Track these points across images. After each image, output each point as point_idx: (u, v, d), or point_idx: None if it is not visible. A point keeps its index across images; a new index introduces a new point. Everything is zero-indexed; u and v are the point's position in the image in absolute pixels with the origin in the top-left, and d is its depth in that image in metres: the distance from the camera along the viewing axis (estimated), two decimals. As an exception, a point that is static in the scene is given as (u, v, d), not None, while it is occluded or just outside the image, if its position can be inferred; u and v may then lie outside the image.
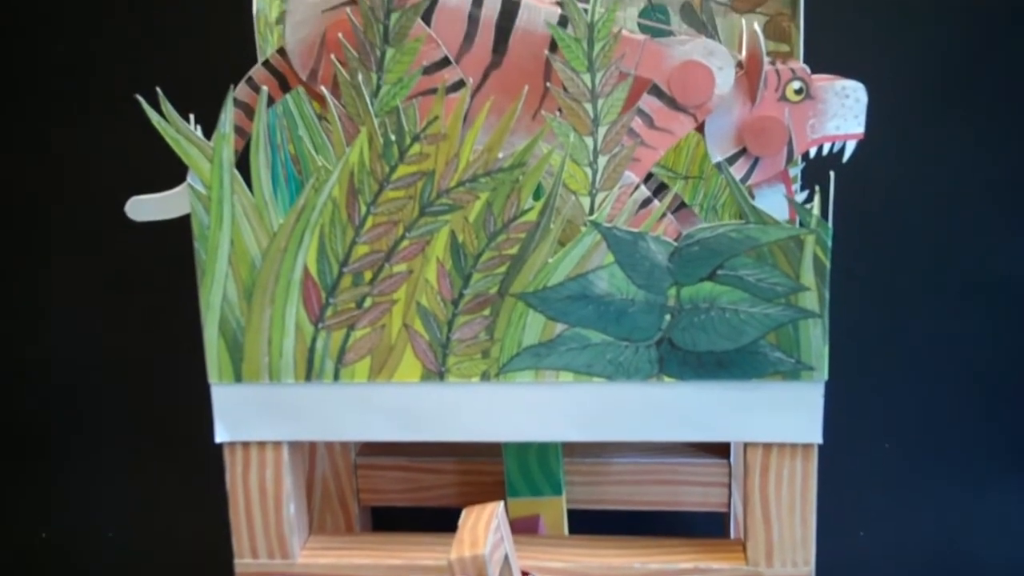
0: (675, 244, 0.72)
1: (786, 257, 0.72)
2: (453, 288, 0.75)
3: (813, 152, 0.79)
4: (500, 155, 0.72)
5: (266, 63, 0.81)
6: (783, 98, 0.77)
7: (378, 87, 0.74)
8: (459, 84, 0.76)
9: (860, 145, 0.79)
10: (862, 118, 0.78)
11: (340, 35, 0.74)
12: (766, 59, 0.76)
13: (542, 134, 0.72)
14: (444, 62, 0.76)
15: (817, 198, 0.71)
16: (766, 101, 0.77)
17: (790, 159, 0.78)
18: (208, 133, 0.75)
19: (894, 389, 1.12)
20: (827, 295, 0.72)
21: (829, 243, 0.71)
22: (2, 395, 1.19)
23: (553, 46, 0.75)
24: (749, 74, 0.77)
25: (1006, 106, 1.04)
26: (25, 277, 1.16)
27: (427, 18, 0.75)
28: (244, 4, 0.87)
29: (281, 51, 0.80)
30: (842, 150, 0.79)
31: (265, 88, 0.74)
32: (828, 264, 0.71)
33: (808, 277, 0.72)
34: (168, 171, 0.78)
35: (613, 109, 0.74)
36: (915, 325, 1.10)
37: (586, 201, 0.75)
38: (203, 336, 0.77)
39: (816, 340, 0.73)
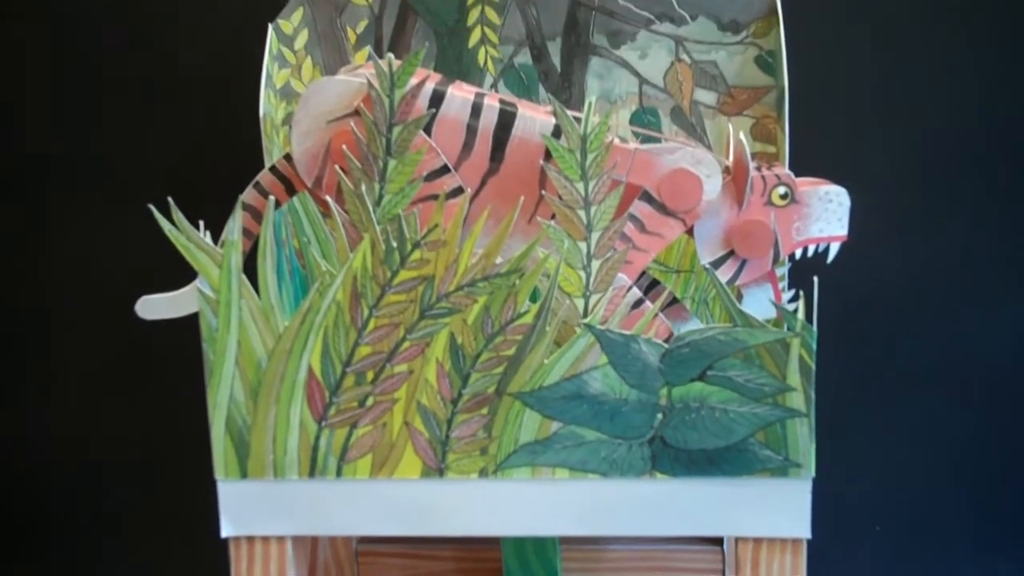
0: (666, 346, 0.75)
1: (773, 359, 0.74)
2: (452, 388, 0.78)
3: (799, 253, 0.82)
4: (498, 261, 0.75)
5: (273, 168, 0.84)
6: (769, 202, 0.80)
7: (380, 196, 0.77)
8: (458, 191, 0.79)
9: (845, 244, 0.82)
10: (845, 221, 0.81)
11: (344, 146, 0.77)
12: (752, 165, 0.80)
13: (538, 241, 0.75)
14: (444, 170, 0.79)
15: (802, 302, 0.74)
16: (752, 206, 0.80)
17: (776, 260, 0.81)
18: (216, 234, 0.78)
19: (883, 475, 1.15)
20: (813, 395, 0.75)
21: (814, 345, 0.74)
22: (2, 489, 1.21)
23: (548, 155, 0.78)
24: (736, 180, 0.80)
25: (988, 199, 1.08)
26: (27, 372, 1.18)
27: (428, 127, 0.79)
28: (251, 105, 0.91)
29: (287, 156, 0.83)
30: (826, 251, 0.82)
31: (272, 197, 0.77)
32: (813, 366, 0.74)
33: (794, 378, 0.74)
34: (174, 264, 0.81)
35: (606, 215, 0.77)
36: (902, 412, 1.13)
37: (580, 303, 0.78)
38: (210, 434, 0.79)
39: (803, 438, 0.76)
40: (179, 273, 0.81)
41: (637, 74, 0.94)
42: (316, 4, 0.94)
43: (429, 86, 0.79)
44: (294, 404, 0.78)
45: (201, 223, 0.79)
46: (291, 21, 0.94)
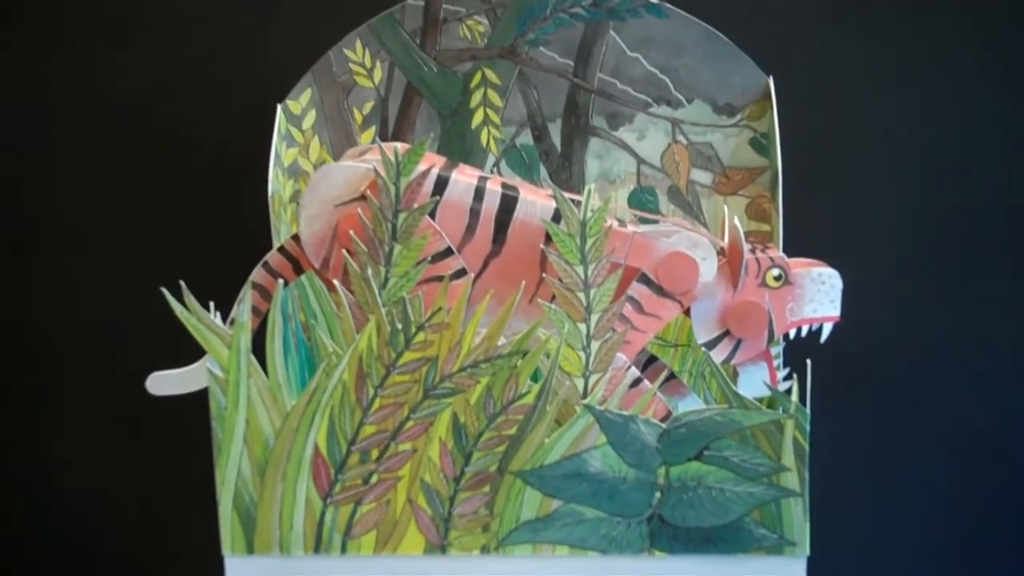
0: (663, 426, 0.77)
1: (768, 439, 0.76)
2: (455, 466, 0.79)
3: (792, 333, 0.84)
4: (500, 342, 0.78)
5: (281, 248, 0.86)
6: (763, 284, 0.83)
7: (386, 279, 0.80)
8: (461, 272, 0.81)
9: (837, 323, 0.84)
10: (838, 302, 0.83)
11: (351, 232, 0.80)
12: (746, 248, 0.82)
13: (540, 324, 0.78)
14: (447, 252, 0.82)
15: (795, 383, 0.76)
16: (747, 287, 0.83)
17: (771, 340, 0.83)
18: (225, 311, 0.81)
19: (877, 547, 1.16)
20: (807, 475, 0.77)
21: (807, 427, 0.76)
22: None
23: (549, 238, 0.80)
24: (731, 263, 0.83)
25: (976, 271, 1.10)
26: (29, 447, 1.19)
27: (432, 210, 0.81)
28: (259, 183, 0.93)
29: (295, 237, 0.86)
30: (820, 331, 0.84)
31: (281, 281, 0.79)
32: (807, 447, 0.76)
33: (789, 459, 0.76)
34: (182, 338, 0.83)
35: (605, 298, 0.80)
36: (897, 480, 1.14)
37: (580, 383, 0.80)
38: (218, 510, 0.81)
39: (798, 517, 0.77)
40: (187, 347, 0.83)
41: (635, 155, 0.96)
42: (324, 86, 0.97)
43: (434, 172, 0.82)
44: (300, 481, 0.80)
45: (211, 304, 0.81)
46: (299, 102, 0.97)
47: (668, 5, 0.92)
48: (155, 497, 1.17)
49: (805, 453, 0.76)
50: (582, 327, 0.80)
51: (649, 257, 0.82)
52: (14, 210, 1.14)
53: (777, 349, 0.88)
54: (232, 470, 0.81)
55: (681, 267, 0.81)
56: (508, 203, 0.83)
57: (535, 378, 0.79)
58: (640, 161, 0.97)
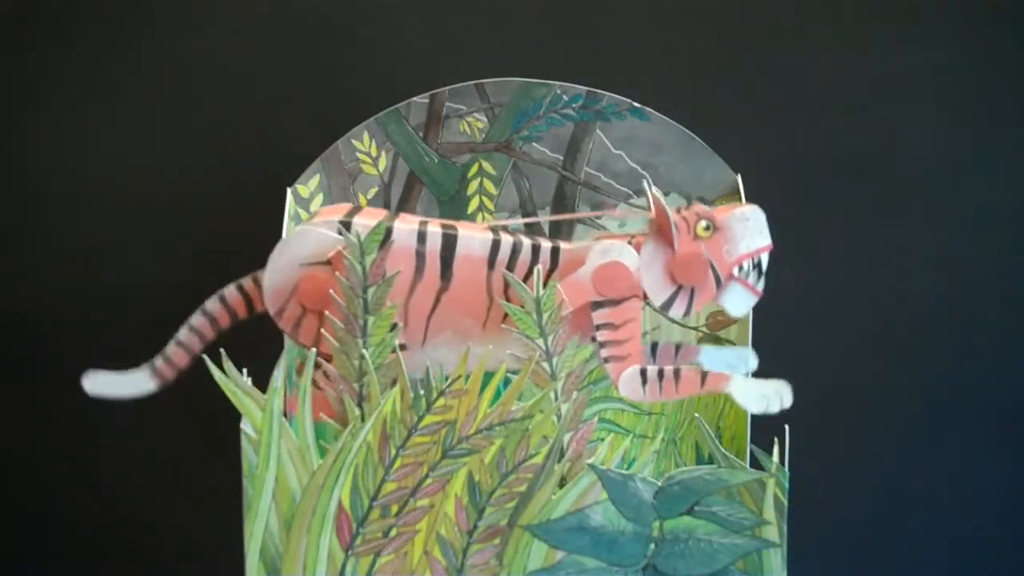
0: (659, 484, 0.86)
1: (751, 496, 0.86)
2: (469, 520, 0.87)
3: (737, 271, 0.92)
4: (513, 408, 0.86)
5: (239, 286, 0.96)
6: (696, 237, 0.91)
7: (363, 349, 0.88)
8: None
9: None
10: (766, 232, 0.92)
11: (328, 313, 0.89)
12: (671, 209, 0.91)
13: (547, 394, 0.86)
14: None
15: (776, 448, 0.86)
16: (684, 244, 0.91)
17: (719, 284, 0.92)
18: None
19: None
20: (786, 528, 0.86)
21: (787, 485, 0.85)
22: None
23: (490, 263, 0.92)
24: (661, 228, 0.92)
25: (950, 352, 1.22)
26: (63, 495, 1.22)
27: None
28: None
29: (255, 279, 0.96)
30: (760, 263, 0.92)
31: (313, 350, 0.87)
32: (786, 502, 0.86)
33: (770, 513, 0.86)
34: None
35: (567, 364, 0.90)
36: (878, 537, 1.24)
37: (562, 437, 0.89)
38: (245, 563, 0.87)
39: (777, 566, 0.87)
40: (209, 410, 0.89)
41: (616, 240, 1.06)
42: (331, 172, 1.06)
43: (382, 226, 0.91)
44: (324, 535, 0.87)
45: (244, 370, 0.88)
46: (308, 186, 1.05)
47: (649, 110, 1.03)
48: (182, 549, 1.22)
49: (784, 508, 0.86)
50: (551, 394, 0.89)
51: (584, 289, 0.91)
52: (31, 286, 1.20)
53: (750, 362, 0.97)
54: (260, 524, 0.87)
55: (611, 275, 0.91)
56: (449, 241, 0.92)
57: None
58: (621, 246, 1.06)
